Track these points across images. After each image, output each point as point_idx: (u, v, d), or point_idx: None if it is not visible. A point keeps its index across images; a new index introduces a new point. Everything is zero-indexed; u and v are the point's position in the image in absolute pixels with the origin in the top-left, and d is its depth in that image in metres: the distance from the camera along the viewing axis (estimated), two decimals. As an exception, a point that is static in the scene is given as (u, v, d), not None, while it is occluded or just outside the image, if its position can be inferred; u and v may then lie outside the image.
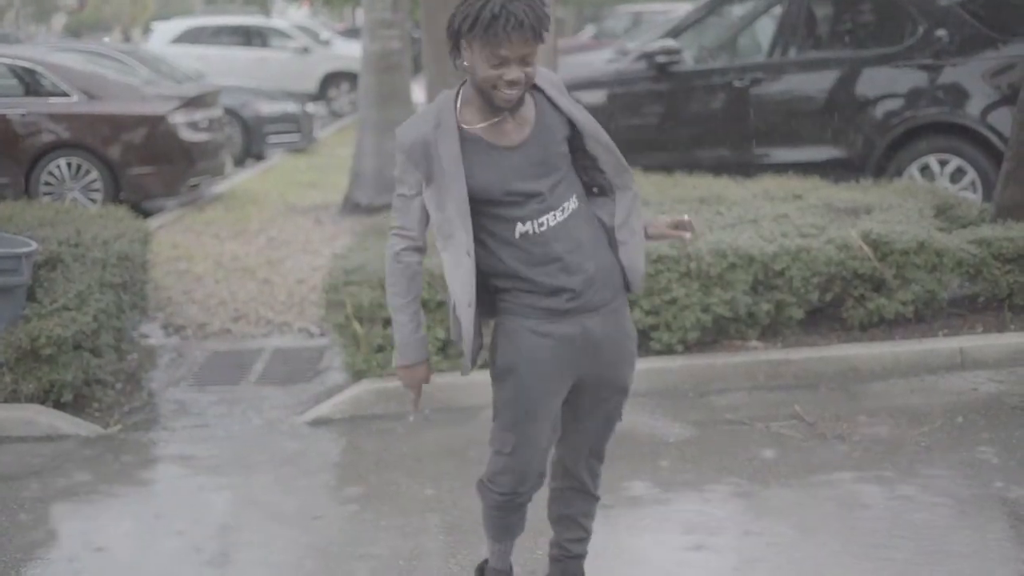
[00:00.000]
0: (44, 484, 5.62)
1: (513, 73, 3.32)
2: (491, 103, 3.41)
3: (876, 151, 9.45)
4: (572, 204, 3.55)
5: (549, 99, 3.56)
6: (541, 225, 3.50)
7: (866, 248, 6.75)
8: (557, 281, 3.51)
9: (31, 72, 12.39)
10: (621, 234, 3.64)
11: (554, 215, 3.50)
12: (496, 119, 3.48)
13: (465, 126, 3.49)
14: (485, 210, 3.50)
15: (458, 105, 3.52)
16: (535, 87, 3.55)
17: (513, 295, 3.58)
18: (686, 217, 3.71)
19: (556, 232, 3.51)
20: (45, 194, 11.83)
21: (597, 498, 4.01)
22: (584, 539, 4.04)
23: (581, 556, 4.06)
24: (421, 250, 3.65)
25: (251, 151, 17.40)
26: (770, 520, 4.87)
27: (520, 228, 3.50)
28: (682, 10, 13.05)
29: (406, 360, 3.68)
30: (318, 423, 6.37)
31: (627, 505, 5.08)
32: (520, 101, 3.42)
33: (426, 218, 3.59)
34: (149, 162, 12.15)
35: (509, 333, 3.60)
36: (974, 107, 9.18)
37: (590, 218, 3.61)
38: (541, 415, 3.64)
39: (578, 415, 3.80)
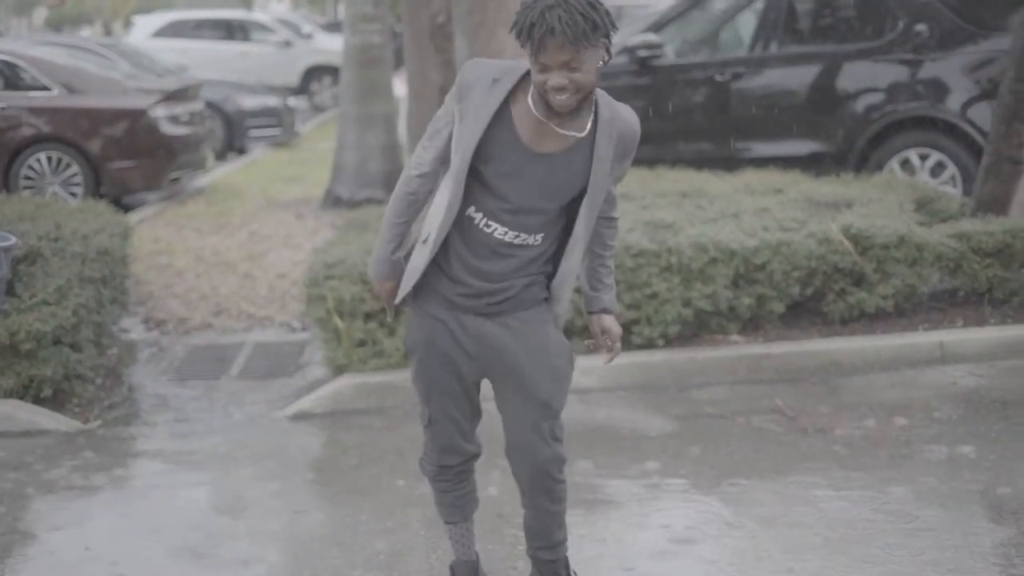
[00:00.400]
0: (23, 479, 5.60)
1: (556, 79, 3.32)
2: (549, 105, 3.41)
3: (857, 145, 9.46)
4: (532, 240, 3.58)
5: (595, 146, 3.53)
6: (489, 227, 3.55)
7: (846, 242, 6.77)
8: (463, 272, 3.60)
9: (11, 66, 12.33)
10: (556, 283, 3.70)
11: (506, 232, 3.55)
12: (545, 120, 3.46)
13: (513, 103, 3.50)
14: (473, 172, 3.52)
15: (528, 83, 3.51)
16: (595, 125, 3.52)
17: (431, 270, 3.65)
18: (618, 346, 3.88)
19: (496, 244, 3.56)
20: (25, 188, 11.77)
21: (557, 512, 3.88)
22: (551, 547, 3.93)
23: (554, 561, 3.97)
24: (430, 180, 3.68)
25: (233, 145, 17.37)
26: (751, 514, 4.88)
27: (473, 211, 3.55)
28: (664, 5, 13.03)
29: (373, 276, 3.85)
30: (299, 418, 6.36)
31: (608, 499, 5.08)
32: (578, 109, 3.42)
33: (445, 155, 3.62)
34: (130, 156, 12.11)
35: (416, 314, 3.74)
36: (954, 102, 9.20)
37: (537, 259, 3.63)
38: (440, 391, 3.76)
39: (504, 422, 3.78)
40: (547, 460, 3.75)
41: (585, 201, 3.57)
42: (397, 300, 3.77)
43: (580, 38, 3.25)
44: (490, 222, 3.54)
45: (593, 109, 3.52)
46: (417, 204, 3.71)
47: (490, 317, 3.64)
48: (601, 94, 3.55)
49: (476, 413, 3.86)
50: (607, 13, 3.31)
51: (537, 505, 3.87)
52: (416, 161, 3.69)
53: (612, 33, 3.35)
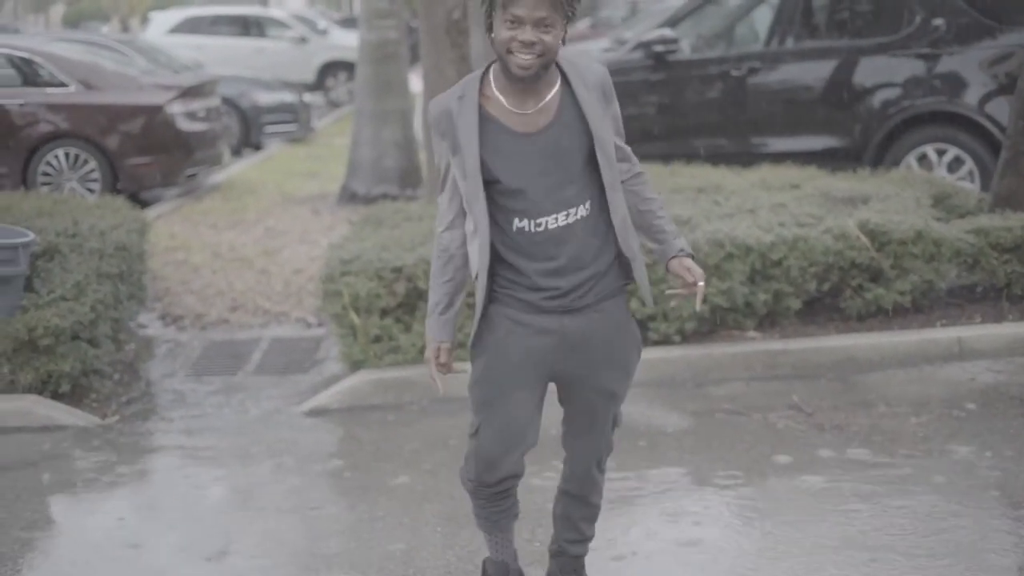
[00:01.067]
0: (41, 475, 5.62)
1: (527, 34, 3.33)
2: (509, 72, 3.41)
3: (874, 140, 9.42)
4: (582, 210, 3.53)
5: (575, 95, 3.53)
6: (539, 225, 3.50)
7: (864, 238, 6.75)
8: (543, 281, 3.54)
9: (29, 62, 12.36)
10: (624, 246, 3.63)
11: (555, 218, 3.50)
12: (518, 99, 3.47)
13: (486, 105, 3.50)
14: (491, 193, 3.51)
15: (488, 81, 3.53)
16: (566, 82, 3.53)
17: (499, 282, 3.59)
18: (701, 284, 3.65)
19: (555, 235, 3.51)
20: (43, 184, 11.82)
21: (597, 506, 3.97)
22: (581, 541, 4.00)
23: (579, 556, 4.04)
24: (455, 228, 3.65)
25: (249, 141, 17.39)
26: (768, 511, 4.87)
27: (517, 223, 3.51)
28: (679, 0, 13.02)
29: (427, 334, 3.73)
30: (315, 413, 6.37)
31: (625, 496, 5.07)
32: (537, 74, 3.41)
33: (458, 194, 3.60)
34: (147, 152, 12.14)
35: (489, 318, 3.63)
36: (971, 96, 9.16)
37: (597, 225, 3.57)
38: (504, 402, 3.65)
39: (568, 418, 3.80)
40: (601, 449, 3.83)
41: (597, 150, 3.52)
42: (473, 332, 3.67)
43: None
44: (539, 220, 3.51)
45: (555, 78, 3.51)
46: (454, 260, 3.66)
47: (574, 313, 3.58)
48: (562, 62, 3.54)
49: (533, 424, 3.71)
50: None
51: (581, 497, 3.90)
52: (439, 219, 3.68)
53: (573, 17, 3.42)
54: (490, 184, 3.49)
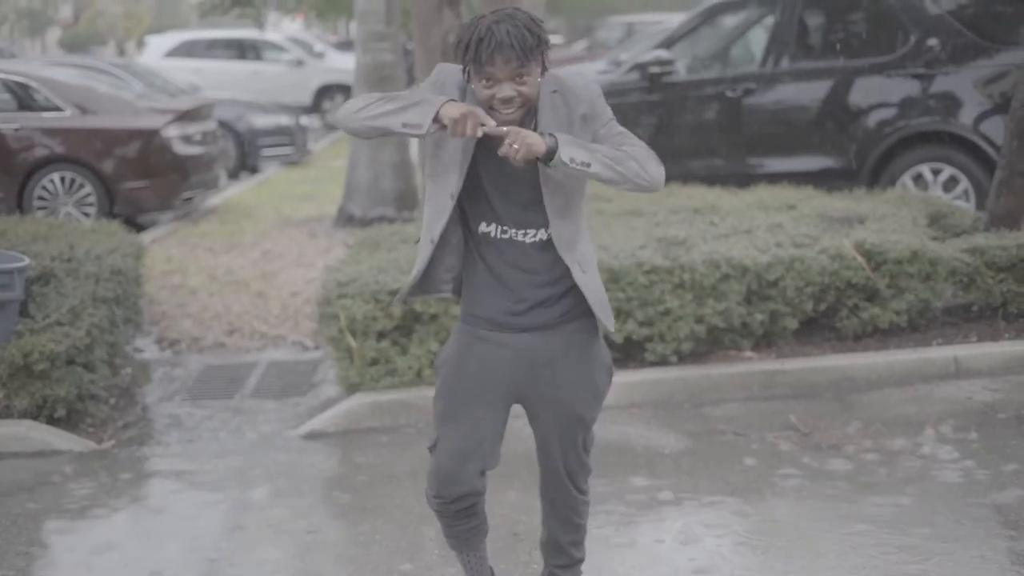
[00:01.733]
0: (37, 500, 5.61)
1: (504, 91, 3.39)
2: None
3: (869, 160, 9.45)
4: (542, 234, 3.56)
5: (559, 116, 3.53)
6: (504, 232, 3.57)
7: (860, 258, 6.75)
8: (500, 293, 3.59)
9: (24, 87, 12.38)
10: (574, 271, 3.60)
11: (516, 232, 3.56)
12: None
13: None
14: (464, 190, 3.55)
15: None
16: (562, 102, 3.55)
17: (465, 298, 3.67)
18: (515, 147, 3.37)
19: (517, 246, 3.56)
20: (39, 209, 11.82)
21: (582, 527, 3.96)
22: (571, 565, 3.99)
23: None
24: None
25: (245, 164, 17.40)
26: (766, 531, 4.86)
27: (484, 227, 3.58)
28: (675, 21, 13.06)
29: (428, 114, 3.38)
30: (312, 437, 6.36)
31: (622, 517, 5.06)
32: (523, 119, 3.45)
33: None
34: (143, 176, 12.15)
35: (456, 333, 3.71)
36: (966, 116, 9.19)
37: (555, 251, 3.58)
38: (462, 416, 3.65)
39: (537, 439, 3.81)
40: (575, 471, 3.82)
41: (541, 177, 3.49)
42: (402, 302, 3.67)
43: (528, 51, 3.36)
44: (504, 228, 3.57)
45: (535, 109, 3.51)
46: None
47: (533, 332, 3.61)
48: (550, 76, 3.51)
49: (489, 446, 3.68)
50: (543, 29, 3.42)
51: (563, 518, 3.90)
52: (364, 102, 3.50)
53: (549, 49, 3.44)
54: (476, 172, 3.53)
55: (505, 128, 3.36)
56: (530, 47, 3.36)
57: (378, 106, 3.42)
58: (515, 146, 3.32)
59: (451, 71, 3.58)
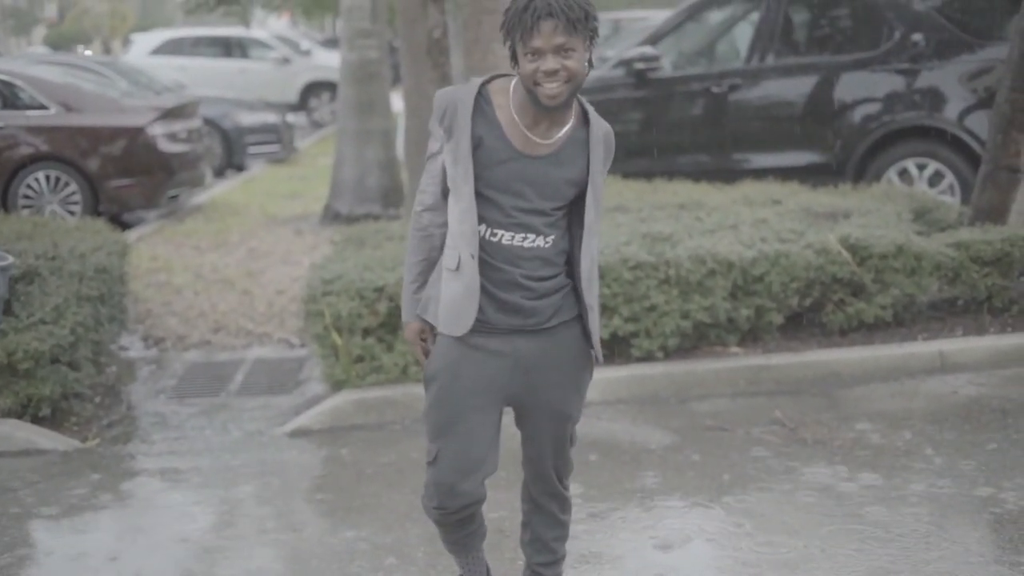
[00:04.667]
0: (22, 500, 5.58)
1: (549, 63, 3.33)
2: (538, 103, 3.40)
3: (855, 155, 9.47)
4: (540, 241, 3.54)
5: (589, 139, 3.55)
6: (494, 236, 3.52)
7: (845, 253, 6.76)
8: (495, 292, 3.55)
9: (9, 85, 12.33)
10: (584, 289, 3.63)
11: (512, 236, 3.52)
12: (530, 119, 3.47)
13: (498, 109, 3.50)
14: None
15: (507, 89, 3.52)
16: (585, 124, 3.55)
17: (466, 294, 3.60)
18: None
19: (508, 250, 3.53)
20: (24, 207, 11.78)
21: (566, 524, 3.94)
22: (555, 563, 3.97)
23: None
24: (436, 210, 3.64)
25: (231, 162, 17.38)
26: (752, 526, 4.86)
27: (480, 230, 3.53)
28: (660, 17, 13.05)
29: (404, 317, 3.75)
30: (298, 434, 6.34)
31: (608, 513, 5.06)
32: (566, 103, 3.42)
33: (442, 180, 3.60)
34: (128, 174, 12.11)
35: (441, 342, 3.63)
36: (951, 111, 9.21)
37: (550, 261, 3.58)
38: (460, 428, 3.61)
39: (526, 439, 3.79)
40: (562, 468, 3.83)
41: (589, 192, 3.54)
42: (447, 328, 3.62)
43: (575, 22, 3.31)
44: (495, 231, 3.52)
45: (575, 110, 3.53)
46: (432, 239, 3.66)
47: (527, 335, 3.59)
48: (585, 100, 3.58)
49: (492, 449, 3.67)
50: (595, 11, 3.39)
51: (549, 516, 3.88)
52: (420, 198, 3.67)
53: (596, 37, 3.41)
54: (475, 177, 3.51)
55: None
56: (577, 18, 3.31)
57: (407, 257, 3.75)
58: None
59: (448, 97, 3.53)
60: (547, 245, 3.55)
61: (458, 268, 3.53)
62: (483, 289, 3.54)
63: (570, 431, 3.80)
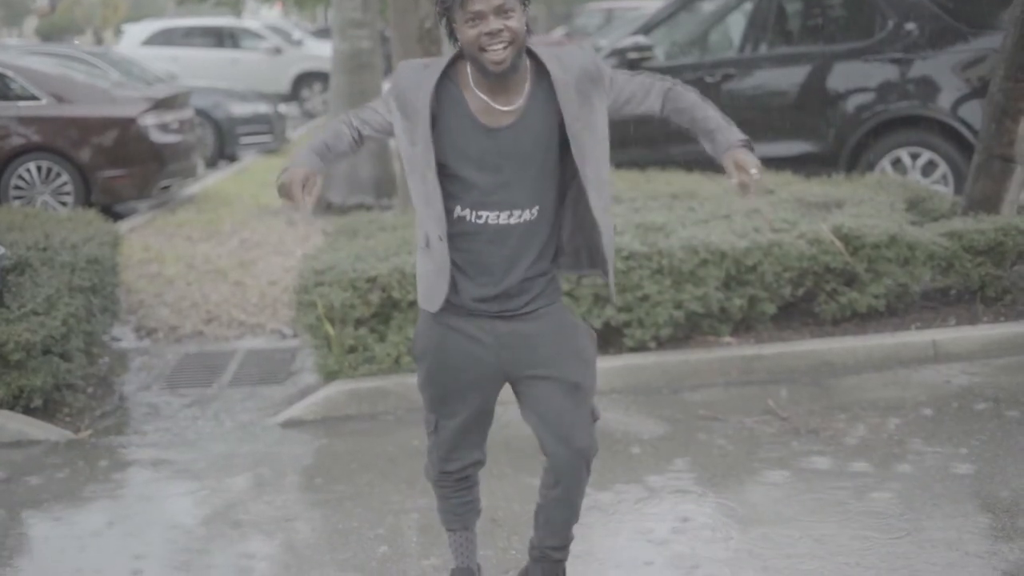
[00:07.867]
0: (14, 491, 5.57)
1: (491, 24, 3.33)
2: (485, 71, 3.39)
3: (848, 145, 9.47)
4: (527, 214, 3.52)
5: (554, 86, 3.49)
6: (479, 218, 3.51)
7: (838, 242, 6.76)
8: (476, 276, 3.55)
9: (0, 76, 12.29)
10: (598, 213, 3.59)
11: (498, 215, 3.50)
12: (491, 92, 3.45)
13: (462, 88, 3.49)
14: (442, 178, 3.51)
15: (465, 70, 3.50)
16: (544, 72, 3.51)
17: (446, 276, 3.60)
18: (754, 172, 3.55)
19: (494, 231, 3.51)
20: (16, 198, 11.74)
21: (579, 509, 3.86)
22: (563, 547, 3.95)
23: (561, 561, 3.99)
24: (357, 131, 3.66)
25: (223, 152, 17.33)
26: (745, 517, 4.86)
27: (459, 210, 3.52)
28: (653, 7, 13.05)
29: (295, 161, 3.58)
30: (291, 425, 6.33)
31: (601, 503, 5.05)
32: (514, 66, 3.40)
33: (372, 125, 3.64)
34: (120, 165, 12.08)
35: (425, 319, 3.69)
36: (945, 100, 9.21)
37: (538, 232, 3.56)
38: (453, 403, 3.71)
39: (540, 422, 3.68)
40: (586, 447, 3.69)
41: (573, 146, 3.50)
42: (424, 303, 3.65)
43: None
44: (480, 213, 3.51)
45: (527, 72, 3.50)
46: (341, 135, 3.63)
47: (506, 319, 3.60)
48: (540, 50, 3.52)
49: (487, 419, 3.81)
50: None
51: (566, 497, 3.78)
52: (352, 115, 3.68)
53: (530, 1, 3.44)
54: (443, 163, 3.49)
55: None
56: None
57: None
58: (754, 171, 3.51)
59: (401, 73, 3.53)
60: (533, 217, 3.53)
61: (427, 246, 3.57)
62: (463, 272, 3.56)
63: (584, 402, 3.67)
